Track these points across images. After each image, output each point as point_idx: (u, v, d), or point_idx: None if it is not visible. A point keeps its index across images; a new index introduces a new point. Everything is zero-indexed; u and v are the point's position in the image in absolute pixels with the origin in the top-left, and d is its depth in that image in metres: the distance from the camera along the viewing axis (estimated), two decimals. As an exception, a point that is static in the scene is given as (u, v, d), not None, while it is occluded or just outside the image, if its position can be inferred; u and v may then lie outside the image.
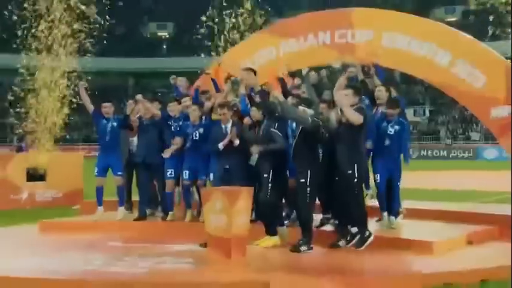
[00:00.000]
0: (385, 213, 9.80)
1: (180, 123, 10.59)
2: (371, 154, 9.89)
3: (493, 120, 10.86)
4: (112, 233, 10.32)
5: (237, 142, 9.29)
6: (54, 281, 7.28)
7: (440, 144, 44.86)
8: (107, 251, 8.98)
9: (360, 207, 8.72)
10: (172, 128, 10.68)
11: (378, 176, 9.71)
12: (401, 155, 10.09)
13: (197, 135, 10.21)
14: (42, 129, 16.11)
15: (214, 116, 10.48)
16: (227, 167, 9.41)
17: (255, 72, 10.46)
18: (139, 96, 11.00)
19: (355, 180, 8.53)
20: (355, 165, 8.50)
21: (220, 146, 9.37)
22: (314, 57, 11.69)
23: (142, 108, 10.73)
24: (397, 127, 9.48)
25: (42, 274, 7.59)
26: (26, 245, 9.85)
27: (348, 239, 8.66)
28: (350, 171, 8.47)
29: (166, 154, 10.35)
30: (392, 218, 9.73)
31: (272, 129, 9.00)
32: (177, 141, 9.65)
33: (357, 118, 8.27)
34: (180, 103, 10.84)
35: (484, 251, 8.69)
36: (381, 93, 9.69)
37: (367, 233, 8.54)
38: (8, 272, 7.62)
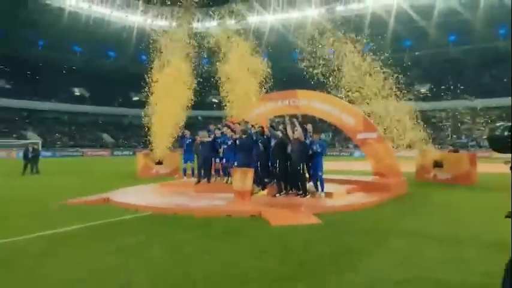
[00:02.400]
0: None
1: (221, 139, 10.17)
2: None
3: (358, 139, 11.04)
4: (190, 187, 10.00)
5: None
6: (164, 209, 7.40)
7: (336, 148, 43.84)
8: (188, 196, 8.95)
9: (303, 182, 8.62)
10: (219, 141, 10.39)
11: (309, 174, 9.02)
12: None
13: (230, 143, 9.78)
14: (161, 143, 15.80)
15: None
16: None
17: (246, 122, 10.11)
18: (201, 132, 10.76)
19: (301, 171, 8.51)
20: (301, 163, 8.49)
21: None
22: (281, 111, 11.41)
23: (202, 136, 10.58)
24: (318, 146, 8.70)
25: (160, 205, 7.74)
26: (154, 192, 9.87)
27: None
28: (299, 167, 8.45)
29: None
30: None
31: (259, 143, 9.01)
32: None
33: (302, 137, 8.43)
34: (219, 130, 10.65)
35: (354, 197, 8.71)
36: (309, 127, 9.50)
37: (307, 193, 8.50)
38: (147, 203, 7.84)
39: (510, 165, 1.54)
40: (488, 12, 41.64)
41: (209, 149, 10.28)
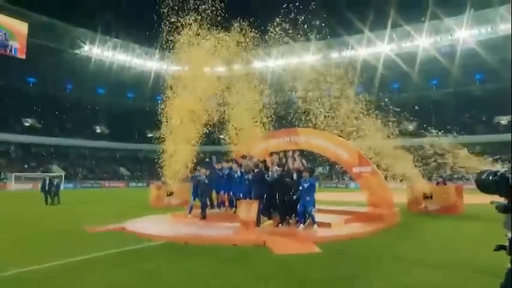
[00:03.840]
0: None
1: (226, 175, 10.06)
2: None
3: (354, 173, 10.91)
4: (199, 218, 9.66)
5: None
6: (176, 237, 7.29)
7: (333, 180, 43.62)
8: (198, 226, 8.76)
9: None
10: (226, 174, 10.22)
11: (300, 207, 8.11)
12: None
13: (237, 177, 9.77)
14: (172, 177, 15.60)
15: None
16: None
17: (251, 157, 10.09)
18: (202, 170, 10.25)
19: (296, 201, 8.22)
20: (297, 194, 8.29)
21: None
22: (283, 147, 11.30)
23: (204, 172, 10.22)
24: (308, 184, 8.07)
25: (172, 234, 7.63)
26: (166, 222, 9.67)
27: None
28: (295, 197, 8.25)
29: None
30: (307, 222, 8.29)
31: (265, 177, 8.79)
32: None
33: (301, 167, 8.45)
34: (227, 163, 10.55)
35: (351, 227, 8.45)
36: (303, 162, 9.20)
37: (305, 221, 8.23)
38: (159, 232, 7.72)
39: (495, 205, 1.71)
40: (465, 61, 43.04)
41: (205, 185, 10.00)
